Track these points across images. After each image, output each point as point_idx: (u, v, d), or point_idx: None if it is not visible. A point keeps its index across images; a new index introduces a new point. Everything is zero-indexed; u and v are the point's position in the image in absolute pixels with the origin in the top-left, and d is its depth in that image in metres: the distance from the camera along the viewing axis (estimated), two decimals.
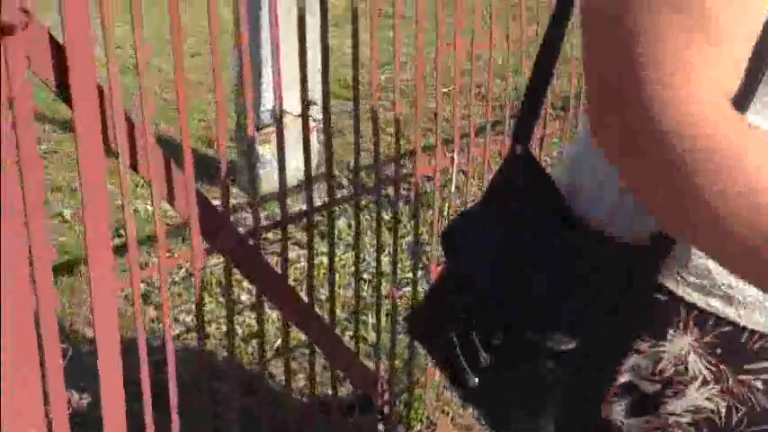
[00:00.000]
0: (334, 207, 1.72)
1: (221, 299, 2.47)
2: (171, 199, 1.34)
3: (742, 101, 0.58)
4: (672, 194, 0.57)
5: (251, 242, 1.54)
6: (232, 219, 2.64)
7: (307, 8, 1.61)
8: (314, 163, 2.89)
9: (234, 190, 3.07)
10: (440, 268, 2.16)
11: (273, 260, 2.54)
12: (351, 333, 2.19)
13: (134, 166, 1.26)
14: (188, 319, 2.44)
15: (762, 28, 0.57)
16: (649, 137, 0.57)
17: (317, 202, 2.84)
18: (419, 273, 2.01)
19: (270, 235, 2.65)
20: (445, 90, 3.79)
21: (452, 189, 2.23)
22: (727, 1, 0.55)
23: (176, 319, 2.41)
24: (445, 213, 2.42)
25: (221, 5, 1.58)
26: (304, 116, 1.66)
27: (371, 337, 2.20)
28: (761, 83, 0.59)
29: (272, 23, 1.48)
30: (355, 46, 1.67)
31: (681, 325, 0.70)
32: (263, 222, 2.66)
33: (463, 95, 2.94)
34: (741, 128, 0.56)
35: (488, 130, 2.31)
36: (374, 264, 1.95)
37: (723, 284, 0.67)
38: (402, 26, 1.77)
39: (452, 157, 2.11)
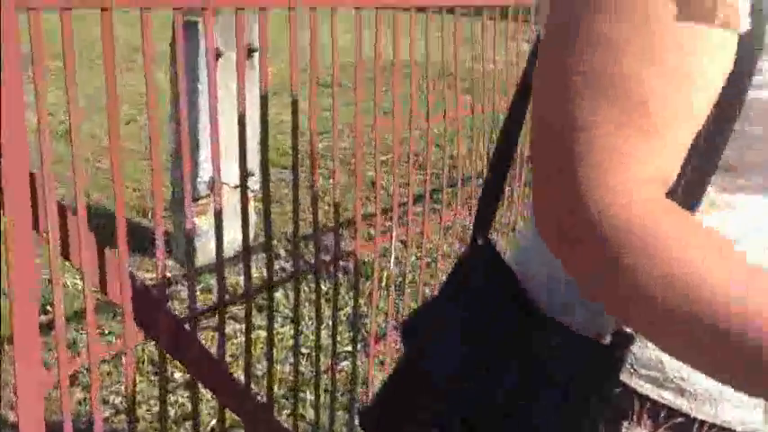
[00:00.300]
0: (273, 285, 1.68)
1: (153, 377, 2.37)
2: (103, 285, 1.29)
3: (693, 194, 0.60)
4: (609, 282, 0.58)
5: (187, 326, 1.49)
6: (167, 292, 2.56)
7: (246, 78, 1.60)
8: (251, 233, 2.86)
9: (169, 262, 3.00)
10: (381, 344, 2.14)
11: (209, 335, 2.48)
12: (289, 411, 2.12)
13: (65, 254, 1.22)
14: (117, 400, 2.33)
15: (710, 117, 0.58)
16: (582, 226, 0.57)
17: (255, 273, 2.80)
18: (358, 346, 1.97)
19: None
20: (384, 159, 3.83)
21: (392, 259, 2.22)
22: (664, 92, 0.56)
23: (105, 401, 2.30)
24: (384, 284, 2.40)
25: (157, 72, 1.56)
26: (243, 188, 1.63)
27: (310, 414, 2.14)
28: (712, 176, 0.60)
29: (211, 95, 1.47)
30: (294, 113, 1.66)
31: (635, 417, 0.69)
32: (199, 294, 2.58)
33: (402, 164, 2.95)
34: (673, 215, 0.57)
35: (427, 199, 2.32)
36: (313, 337, 1.91)
37: (675, 377, 0.67)
38: (340, 95, 1.78)
39: (391, 226, 2.11)
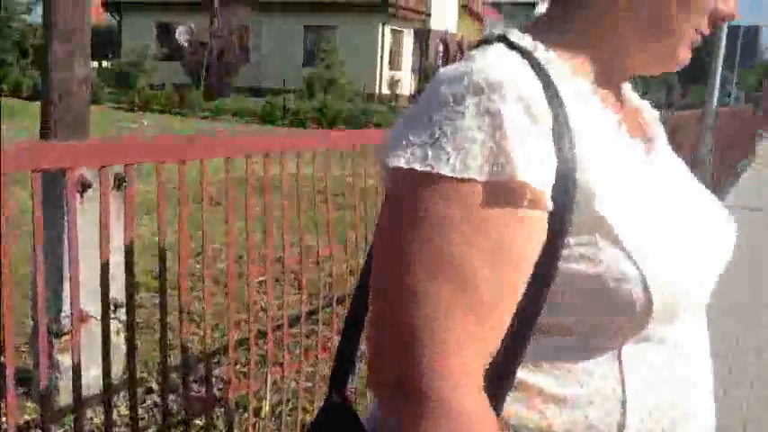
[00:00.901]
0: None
1: None
2: None
3: (509, 362, 0.65)
4: None
5: None
6: None
7: (117, 206, 1.55)
8: (120, 367, 2.69)
9: (29, 404, 2.77)
10: None
11: None
12: None
13: None
14: None
15: (522, 299, 0.64)
16: (410, 409, 0.61)
17: (125, 411, 2.61)
18: None
19: None
20: (261, 279, 3.75)
21: (268, 387, 2.13)
22: (487, 270, 0.61)
23: None
24: (263, 415, 2.29)
25: (21, 192, 1.47)
26: (105, 326, 1.54)
27: None
28: (527, 344, 0.65)
29: (70, 227, 1.41)
30: (161, 235, 1.60)
31: None
32: None
33: (278, 284, 2.90)
34: (480, 411, 0.62)
35: (303, 320, 2.27)
36: None
37: None
38: (214, 212, 1.74)
39: (267, 350, 2.03)
